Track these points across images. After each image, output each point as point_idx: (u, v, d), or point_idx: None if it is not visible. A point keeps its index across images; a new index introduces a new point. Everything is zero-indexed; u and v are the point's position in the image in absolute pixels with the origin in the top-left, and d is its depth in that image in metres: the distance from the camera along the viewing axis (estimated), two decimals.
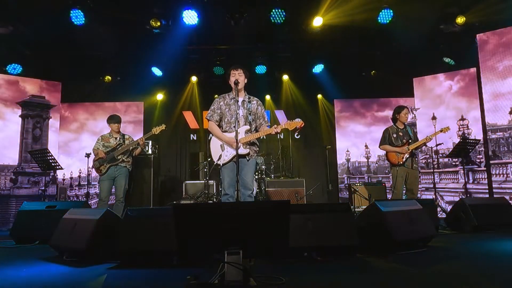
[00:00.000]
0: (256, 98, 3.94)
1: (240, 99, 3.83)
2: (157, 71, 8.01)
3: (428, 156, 7.43)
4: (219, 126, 3.85)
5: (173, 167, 9.05)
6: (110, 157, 5.19)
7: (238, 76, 3.76)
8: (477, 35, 6.45)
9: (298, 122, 3.65)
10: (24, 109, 7.22)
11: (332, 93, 8.79)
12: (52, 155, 5.63)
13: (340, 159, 8.44)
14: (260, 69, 8.05)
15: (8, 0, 5.76)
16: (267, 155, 7.82)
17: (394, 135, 5.14)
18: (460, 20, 6.25)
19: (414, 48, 7.33)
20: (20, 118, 7.17)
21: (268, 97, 8.86)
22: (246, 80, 3.86)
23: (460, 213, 4.63)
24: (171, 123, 8.37)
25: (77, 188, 7.80)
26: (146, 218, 3.08)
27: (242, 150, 3.62)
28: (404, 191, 5.09)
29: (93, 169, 5.38)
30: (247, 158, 3.71)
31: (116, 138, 5.36)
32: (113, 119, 5.37)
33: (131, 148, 5.30)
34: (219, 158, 3.71)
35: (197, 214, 2.29)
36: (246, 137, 3.67)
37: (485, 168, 6.67)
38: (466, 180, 6.82)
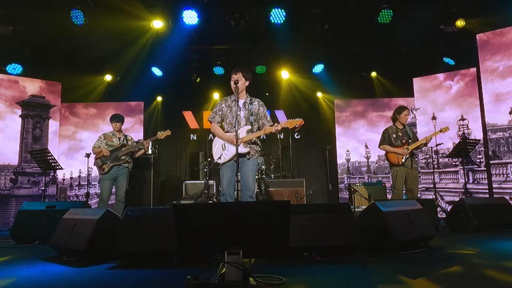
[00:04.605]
0: (257, 99, 3.96)
1: (241, 101, 3.85)
2: (157, 71, 8.01)
3: (428, 156, 7.43)
4: (222, 127, 3.90)
5: (173, 167, 9.04)
6: (114, 156, 5.19)
7: (237, 79, 3.78)
8: (477, 35, 6.44)
9: (298, 121, 3.67)
10: (24, 109, 7.21)
11: (332, 93, 8.80)
12: (52, 155, 5.63)
13: (340, 159, 8.44)
14: (260, 69, 8.05)
15: (8, 0, 5.76)
16: (267, 155, 7.82)
17: (394, 135, 5.14)
18: (460, 23, 6.27)
19: (414, 48, 7.34)
20: (20, 118, 7.17)
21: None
22: (247, 82, 3.86)
23: (460, 213, 4.63)
24: (171, 123, 8.36)
25: (77, 188, 7.80)
26: (146, 218, 3.08)
27: (243, 149, 3.64)
28: (404, 191, 5.09)
29: (95, 168, 5.38)
30: (247, 157, 3.72)
31: (119, 138, 5.38)
32: (116, 118, 5.39)
33: (135, 149, 5.33)
34: (220, 157, 3.75)
35: (197, 214, 2.29)
36: (247, 136, 3.69)
37: (485, 168, 6.67)
38: (466, 180, 6.82)
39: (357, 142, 8.45)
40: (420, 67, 7.74)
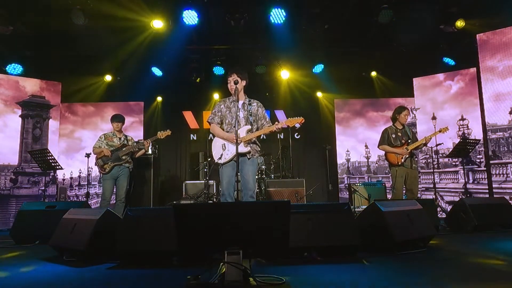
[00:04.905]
0: (256, 100, 3.95)
1: (240, 102, 3.85)
2: (157, 71, 8.01)
3: (428, 156, 7.43)
4: (221, 128, 3.88)
5: (173, 167, 9.04)
6: (115, 156, 5.20)
7: (233, 81, 3.76)
8: (477, 35, 6.44)
9: (298, 119, 3.69)
10: (24, 109, 7.22)
11: (332, 92, 8.80)
12: (52, 155, 5.63)
13: (340, 159, 8.44)
14: (260, 69, 8.05)
15: (8, 0, 5.76)
16: (267, 155, 7.82)
17: (393, 136, 5.14)
18: (460, 24, 6.27)
19: (414, 48, 7.33)
20: (20, 118, 7.17)
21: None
22: (244, 82, 3.86)
23: (460, 213, 4.62)
24: (171, 123, 8.37)
25: (77, 188, 7.80)
26: (146, 218, 3.09)
27: (243, 148, 3.64)
28: (404, 191, 5.09)
29: (95, 168, 5.39)
30: (248, 157, 3.72)
31: (120, 138, 5.40)
32: (117, 118, 5.41)
33: (135, 149, 5.34)
34: (220, 157, 3.73)
35: (197, 214, 2.29)
36: (248, 136, 3.69)
37: (485, 168, 6.67)
38: (466, 180, 6.82)
39: (357, 142, 8.45)
40: (420, 67, 7.74)
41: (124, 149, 5.27)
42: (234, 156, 3.62)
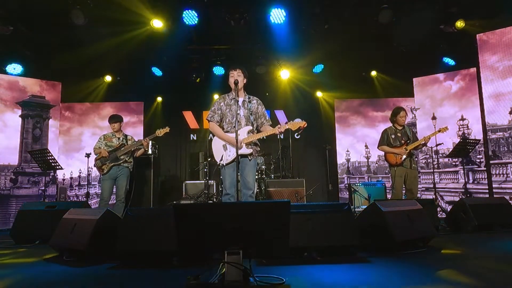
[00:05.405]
0: (256, 98, 3.94)
1: (241, 99, 3.82)
2: (157, 71, 8.01)
3: (428, 156, 7.43)
4: (221, 126, 3.84)
5: (173, 167, 9.05)
6: (113, 156, 5.20)
7: (236, 76, 3.76)
8: (477, 35, 6.44)
9: (301, 123, 3.66)
10: (24, 109, 7.22)
11: (332, 92, 8.80)
12: (52, 155, 5.63)
13: (340, 159, 8.44)
14: (260, 69, 8.05)
15: (8, 0, 5.76)
16: (267, 155, 7.82)
17: (393, 136, 5.15)
18: (460, 24, 6.28)
19: (414, 48, 7.34)
20: (20, 118, 7.17)
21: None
22: (245, 80, 3.86)
23: (460, 213, 4.62)
24: (171, 123, 8.36)
25: (77, 188, 7.80)
26: (146, 218, 3.08)
27: (245, 150, 3.63)
28: (404, 191, 5.10)
29: (95, 168, 5.39)
30: (249, 158, 3.71)
31: (119, 138, 5.39)
32: (114, 119, 5.40)
33: (133, 149, 5.33)
34: (222, 159, 3.70)
35: (197, 214, 2.29)
36: (249, 137, 3.67)
37: (485, 168, 6.67)
38: (466, 180, 6.82)
39: (357, 142, 8.45)
40: (420, 67, 7.74)
41: (122, 149, 5.26)
42: (235, 157, 3.61)
